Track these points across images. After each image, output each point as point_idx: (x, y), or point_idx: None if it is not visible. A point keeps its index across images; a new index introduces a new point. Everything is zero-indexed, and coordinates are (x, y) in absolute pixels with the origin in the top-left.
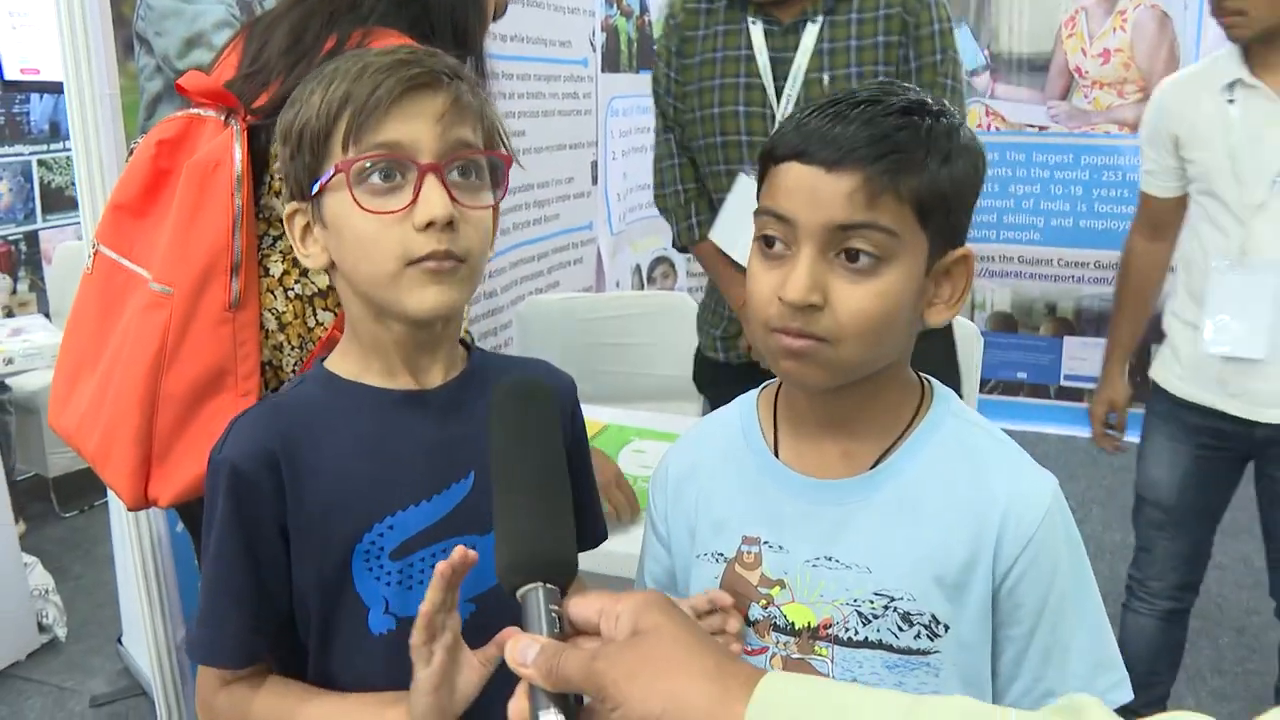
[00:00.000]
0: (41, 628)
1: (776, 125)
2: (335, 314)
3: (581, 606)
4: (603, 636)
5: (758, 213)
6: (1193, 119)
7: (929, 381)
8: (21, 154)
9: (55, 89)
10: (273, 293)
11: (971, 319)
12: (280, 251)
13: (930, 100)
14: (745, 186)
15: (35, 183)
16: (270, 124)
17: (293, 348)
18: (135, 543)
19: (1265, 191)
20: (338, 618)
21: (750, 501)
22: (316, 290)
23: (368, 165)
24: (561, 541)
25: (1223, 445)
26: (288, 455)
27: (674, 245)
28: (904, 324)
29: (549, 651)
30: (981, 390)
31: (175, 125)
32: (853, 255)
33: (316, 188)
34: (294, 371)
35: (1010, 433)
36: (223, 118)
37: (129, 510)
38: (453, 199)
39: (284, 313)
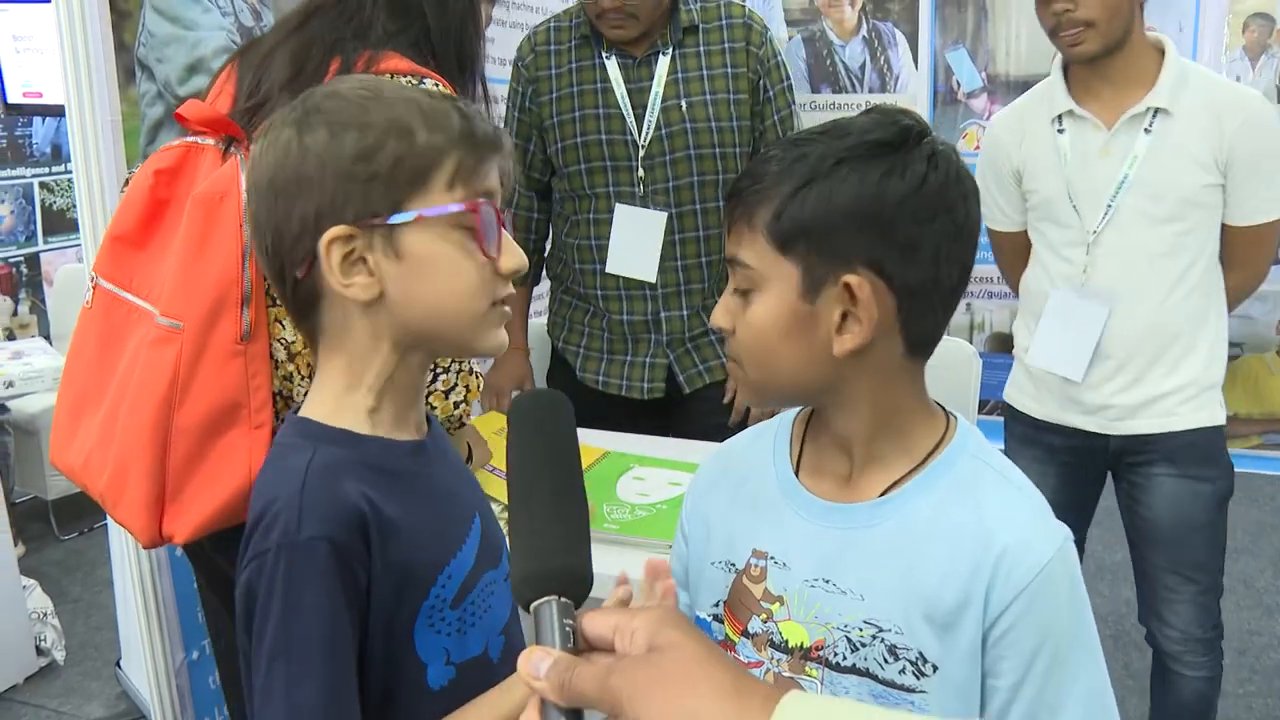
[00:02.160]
0: (40, 651)
1: (640, 150)
2: None
3: (596, 622)
4: (617, 652)
5: None
6: (1028, 150)
7: (954, 417)
8: (23, 176)
9: (57, 112)
10: (281, 322)
11: (970, 340)
12: None
13: (848, 126)
14: (624, 216)
15: (36, 205)
16: None
17: (303, 377)
18: (134, 566)
19: (1101, 219)
20: (397, 681)
21: (765, 516)
22: None
23: (482, 211)
24: (576, 555)
25: (1083, 461)
26: (374, 518)
27: None
28: (798, 351)
29: (562, 665)
30: (980, 411)
31: (173, 155)
32: (735, 287)
33: (409, 218)
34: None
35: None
36: (222, 147)
37: (144, 549)
38: None
39: (293, 342)
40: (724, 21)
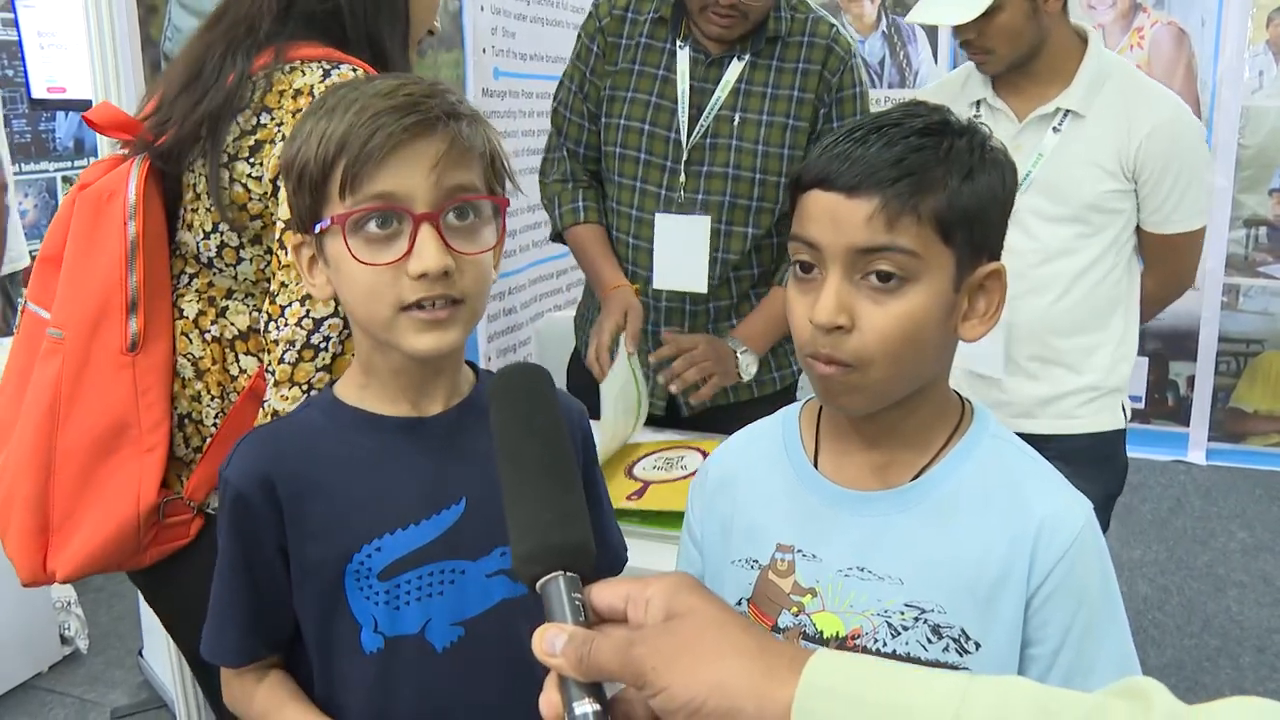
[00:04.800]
0: (63, 640)
1: (682, 151)
2: (259, 360)
3: (606, 593)
4: (631, 623)
5: (790, 239)
6: None
7: (968, 401)
8: (47, 170)
9: (80, 106)
10: (187, 336)
11: None
12: (196, 290)
13: (954, 119)
14: (665, 225)
15: (60, 199)
16: (177, 160)
17: (213, 397)
18: None
19: None
20: (333, 635)
21: (787, 510)
22: (237, 332)
23: (362, 217)
24: (577, 527)
25: None
26: (284, 480)
27: (551, 237)
28: (934, 341)
29: (578, 640)
30: None
31: (100, 168)
32: (879, 276)
33: (318, 229)
34: (215, 424)
35: None
36: (132, 153)
37: (23, 587)
38: (449, 246)
39: (201, 358)
40: (806, 39)
